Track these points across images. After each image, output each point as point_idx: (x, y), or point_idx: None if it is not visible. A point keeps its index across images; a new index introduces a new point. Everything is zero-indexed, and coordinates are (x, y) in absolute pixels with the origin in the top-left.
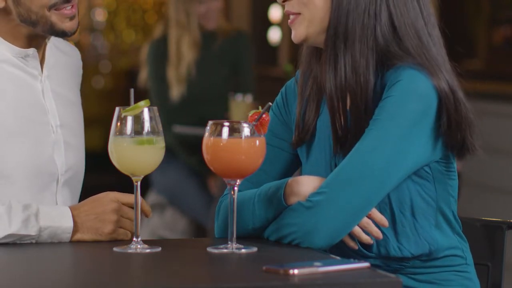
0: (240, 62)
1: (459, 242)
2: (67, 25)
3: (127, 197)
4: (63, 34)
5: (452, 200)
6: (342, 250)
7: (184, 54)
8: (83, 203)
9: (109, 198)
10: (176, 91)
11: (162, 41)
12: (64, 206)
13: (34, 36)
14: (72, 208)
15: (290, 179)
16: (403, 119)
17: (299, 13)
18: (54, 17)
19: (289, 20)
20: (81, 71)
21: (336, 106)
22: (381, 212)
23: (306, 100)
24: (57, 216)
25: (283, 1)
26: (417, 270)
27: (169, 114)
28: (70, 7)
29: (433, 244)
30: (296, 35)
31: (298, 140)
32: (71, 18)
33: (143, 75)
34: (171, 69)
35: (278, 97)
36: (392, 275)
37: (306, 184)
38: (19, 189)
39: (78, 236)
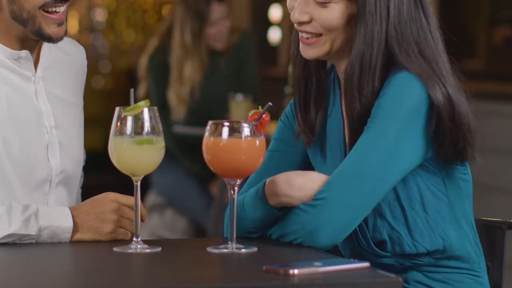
0: (243, 63)
1: (474, 240)
2: (54, 31)
3: (127, 199)
4: (49, 39)
5: (464, 194)
6: (354, 251)
7: (186, 75)
8: (83, 204)
9: (109, 198)
10: (177, 113)
11: (162, 54)
12: (64, 206)
13: (26, 38)
14: (72, 209)
15: (267, 180)
16: (398, 116)
17: (320, 34)
18: (42, 19)
19: (306, 40)
20: (85, 70)
21: (358, 130)
22: (391, 210)
23: (303, 98)
24: (56, 216)
25: (301, 23)
26: (430, 269)
27: (170, 121)
28: (63, 9)
29: (447, 240)
30: (312, 55)
31: (309, 136)
32: (59, 24)
33: (142, 90)
34: (172, 91)
35: (287, 108)
36: (392, 275)
37: (280, 183)
38: (11, 189)
39: (78, 236)
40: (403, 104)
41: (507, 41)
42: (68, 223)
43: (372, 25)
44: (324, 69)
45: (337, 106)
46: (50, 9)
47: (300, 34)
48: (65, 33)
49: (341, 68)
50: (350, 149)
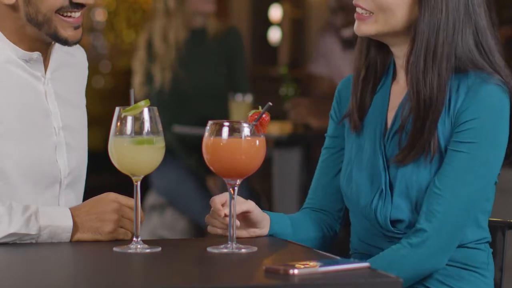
0: (232, 59)
1: (487, 241)
2: (70, 34)
3: (127, 200)
4: (65, 42)
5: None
6: (367, 227)
7: (170, 38)
8: (83, 204)
9: (110, 199)
10: (159, 79)
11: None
12: (64, 206)
13: (40, 40)
14: (72, 209)
15: None
16: (495, 141)
17: (371, 13)
18: (58, 22)
19: (359, 15)
20: (86, 72)
21: (424, 116)
22: (417, 195)
23: (361, 82)
24: (56, 215)
25: None
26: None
27: (166, 114)
28: (78, 14)
29: (463, 238)
30: (362, 30)
31: (358, 123)
32: (76, 27)
33: (137, 80)
34: (158, 59)
35: (334, 102)
36: (392, 275)
37: None
38: (20, 191)
39: (78, 236)
40: (499, 129)
41: (507, 41)
42: (68, 222)
43: (437, 12)
44: (385, 54)
45: (387, 87)
46: (66, 14)
47: (356, 9)
48: (82, 36)
49: (399, 51)
50: (395, 130)
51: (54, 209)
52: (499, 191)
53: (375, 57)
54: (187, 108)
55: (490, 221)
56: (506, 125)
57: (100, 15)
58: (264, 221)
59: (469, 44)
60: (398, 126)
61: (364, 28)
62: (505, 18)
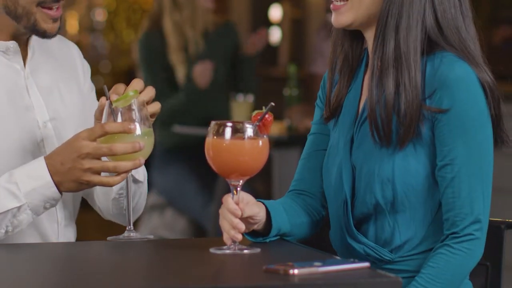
0: (233, 54)
1: None
2: (49, 26)
3: (95, 145)
4: (43, 35)
5: None
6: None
7: (188, 31)
8: (58, 157)
9: (75, 148)
10: (181, 73)
11: (155, 33)
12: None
13: (17, 32)
14: (49, 166)
15: None
16: (482, 122)
17: (346, 0)
18: (39, 15)
19: (332, 5)
20: (80, 61)
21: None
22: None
23: (337, 75)
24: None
25: None
26: None
27: (169, 112)
28: (56, 8)
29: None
30: (340, 21)
31: (329, 114)
32: (55, 20)
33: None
34: (174, 53)
35: (320, 91)
36: (392, 275)
37: None
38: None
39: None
40: (479, 108)
41: (507, 41)
42: (51, 189)
43: None
44: (360, 46)
45: (360, 78)
46: (48, 5)
47: (333, 2)
48: (59, 30)
49: (372, 36)
50: (363, 119)
51: (34, 180)
52: (498, 191)
53: (350, 49)
54: (191, 107)
55: (489, 221)
56: (482, 100)
57: (100, 15)
58: (261, 212)
59: (430, 24)
60: (366, 114)
61: (341, 18)
62: (503, 19)
